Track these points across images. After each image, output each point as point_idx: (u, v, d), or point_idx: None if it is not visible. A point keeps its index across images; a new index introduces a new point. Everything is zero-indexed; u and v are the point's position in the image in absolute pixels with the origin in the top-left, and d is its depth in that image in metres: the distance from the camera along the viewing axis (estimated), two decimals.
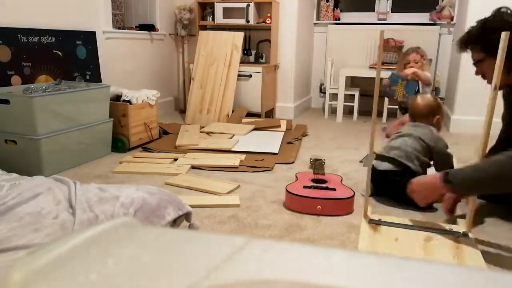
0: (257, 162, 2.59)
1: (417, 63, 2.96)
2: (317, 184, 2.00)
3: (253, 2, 3.90)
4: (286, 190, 1.94)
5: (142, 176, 2.34)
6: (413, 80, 2.80)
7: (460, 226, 1.59)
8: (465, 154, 2.74)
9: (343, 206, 1.86)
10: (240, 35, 3.79)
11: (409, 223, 1.61)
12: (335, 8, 4.54)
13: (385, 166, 1.98)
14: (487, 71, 1.71)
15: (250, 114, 3.90)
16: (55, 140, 2.30)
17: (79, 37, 2.97)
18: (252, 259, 0.32)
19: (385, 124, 3.59)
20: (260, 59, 4.20)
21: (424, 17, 4.32)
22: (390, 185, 1.95)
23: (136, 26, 3.89)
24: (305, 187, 1.96)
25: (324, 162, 2.47)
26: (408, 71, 2.84)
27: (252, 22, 3.94)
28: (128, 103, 2.79)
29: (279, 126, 3.51)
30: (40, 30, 2.67)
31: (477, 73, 1.79)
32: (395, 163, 1.95)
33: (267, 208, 1.91)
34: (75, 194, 1.44)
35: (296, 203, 1.90)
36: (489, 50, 1.64)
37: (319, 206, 1.83)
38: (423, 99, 2.16)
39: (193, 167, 2.50)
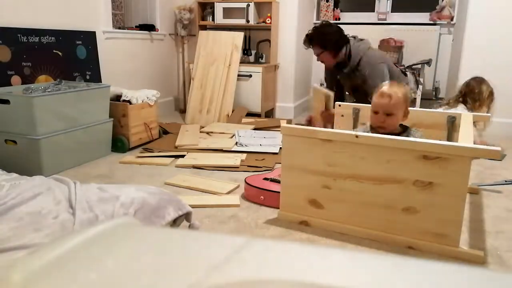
0: (257, 161, 2.59)
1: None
2: (275, 177, 2.05)
3: (253, 2, 3.90)
4: (244, 180, 2.04)
5: (142, 176, 2.34)
6: None
7: None
8: None
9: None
10: (240, 35, 3.79)
11: None
12: (335, 8, 4.54)
13: None
14: (325, 60, 2.85)
15: (250, 114, 3.90)
16: (55, 140, 2.30)
17: (79, 37, 2.97)
18: (252, 259, 0.32)
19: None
20: (260, 59, 4.20)
21: (424, 17, 4.31)
22: None
23: (136, 26, 3.89)
24: (264, 179, 2.05)
25: None
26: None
27: (252, 22, 3.94)
28: (128, 103, 2.79)
29: (279, 126, 3.51)
30: (40, 30, 2.67)
31: (318, 60, 2.90)
32: None
33: (267, 208, 1.91)
34: (75, 194, 1.44)
35: (248, 192, 2.00)
36: (324, 46, 2.74)
37: (262, 197, 1.92)
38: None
39: (193, 167, 2.50)
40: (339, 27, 2.84)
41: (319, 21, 4.63)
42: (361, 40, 2.88)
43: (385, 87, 1.80)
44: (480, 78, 2.96)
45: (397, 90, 1.76)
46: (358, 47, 2.79)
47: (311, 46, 2.81)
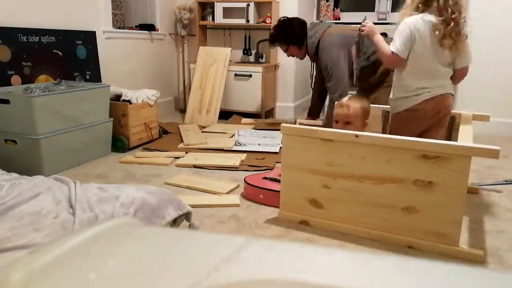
0: (258, 161, 2.59)
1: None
2: (274, 177, 2.05)
3: (253, 2, 3.89)
4: (244, 180, 2.05)
5: (142, 176, 2.34)
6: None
7: None
8: None
9: None
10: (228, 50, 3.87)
11: None
12: (335, 8, 4.54)
13: None
14: (293, 54, 3.02)
15: (250, 114, 3.89)
16: (55, 140, 2.30)
17: (79, 37, 2.97)
18: (252, 259, 0.32)
19: None
20: (260, 59, 4.19)
21: None
22: None
23: (136, 26, 3.89)
24: (264, 178, 2.05)
25: None
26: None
27: (252, 22, 3.94)
28: (128, 103, 2.78)
29: (279, 125, 3.50)
30: (40, 30, 2.67)
31: (288, 55, 3.10)
32: None
33: (267, 208, 1.91)
34: (75, 194, 1.44)
35: (248, 191, 2.01)
36: (287, 42, 2.94)
37: (261, 196, 1.93)
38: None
39: (193, 166, 2.50)
40: (299, 20, 2.97)
41: (318, 21, 4.65)
42: (318, 23, 2.96)
43: (345, 99, 1.95)
44: None
45: (355, 102, 1.89)
46: (314, 34, 2.86)
47: (275, 45, 3.06)
